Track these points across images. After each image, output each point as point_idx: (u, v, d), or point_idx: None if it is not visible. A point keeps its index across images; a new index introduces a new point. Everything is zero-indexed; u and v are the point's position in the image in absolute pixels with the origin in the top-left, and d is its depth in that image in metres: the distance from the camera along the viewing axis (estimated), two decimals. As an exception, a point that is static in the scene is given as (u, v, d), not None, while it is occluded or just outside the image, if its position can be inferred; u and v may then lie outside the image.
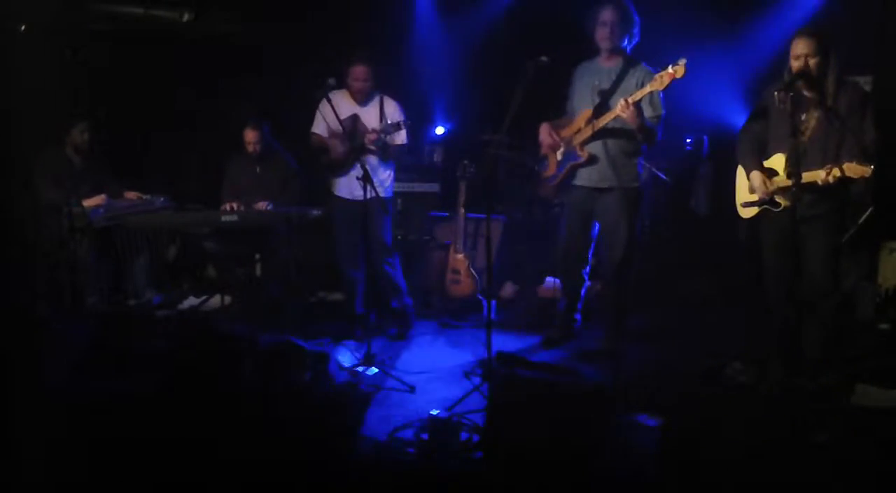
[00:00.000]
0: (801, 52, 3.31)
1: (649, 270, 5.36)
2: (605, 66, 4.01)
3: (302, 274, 4.85)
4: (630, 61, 3.95)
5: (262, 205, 4.79)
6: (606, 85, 3.96)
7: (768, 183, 3.43)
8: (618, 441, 2.81)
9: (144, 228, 4.65)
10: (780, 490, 2.61)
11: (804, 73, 3.30)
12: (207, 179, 5.54)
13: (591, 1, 3.98)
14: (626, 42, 3.95)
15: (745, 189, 3.57)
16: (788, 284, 3.47)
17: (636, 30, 3.95)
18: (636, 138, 3.94)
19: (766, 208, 3.48)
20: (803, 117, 3.35)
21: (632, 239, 4.07)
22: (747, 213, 3.60)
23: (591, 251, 4.29)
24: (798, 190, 3.15)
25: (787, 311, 3.50)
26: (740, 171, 3.62)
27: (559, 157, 4.16)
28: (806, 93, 3.35)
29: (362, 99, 4.37)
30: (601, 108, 3.94)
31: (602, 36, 3.92)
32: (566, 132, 4.13)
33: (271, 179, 5.00)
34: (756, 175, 3.47)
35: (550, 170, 4.23)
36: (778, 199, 3.42)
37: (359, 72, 4.29)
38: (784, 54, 3.41)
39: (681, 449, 2.78)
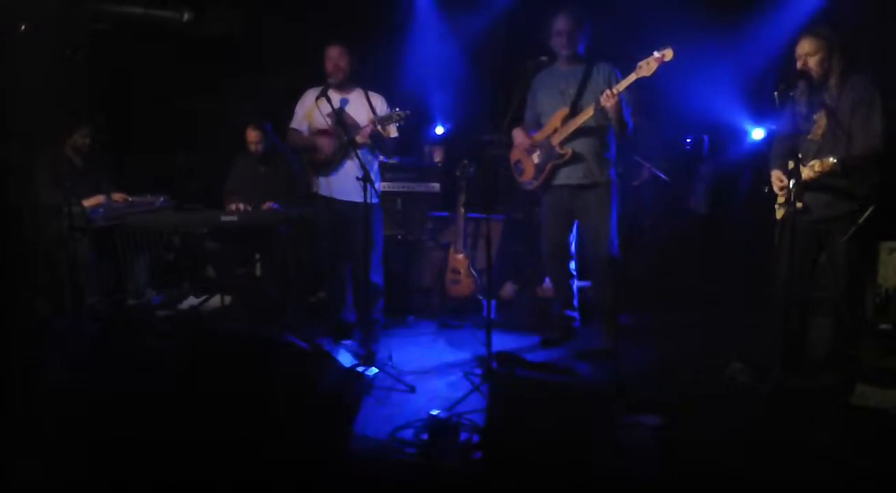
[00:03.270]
0: (801, 52, 3.33)
1: (649, 270, 5.36)
2: (566, 69, 4.10)
3: (302, 274, 4.85)
4: (590, 61, 4.04)
5: (268, 205, 4.78)
6: (574, 86, 4.03)
7: (780, 183, 3.49)
8: (618, 441, 2.81)
9: (144, 229, 4.66)
10: (780, 490, 2.61)
11: (804, 73, 3.31)
12: (207, 178, 5.55)
13: (546, 10, 4.06)
14: (580, 45, 4.05)
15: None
16: (802, 284, 3.50)
17: (589, 32, 4.06)
18: (608, 133, 4.04)
19: (787, 208, 3.49)
20: (815, 117, 3.37)
21: (615, 233, 4.10)
22: (779, 213, 3.62)
23: (573, 248, 4.31)
24: (798, 189, 3.15)
25: (795, 310, 3.52)
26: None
27: (536, 159, 4.17)
28: (814, 92, 3.36)
29: (342, 83, 4.21)
30: (576, 106, 4.01)
31: (560, 44, 4.05)
32: (540, 135, 4.16)
33: (275, 179, 4.99)
34: (774, 175, 3.52)
35: (527, 174, 4.24)
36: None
37: (331, 52, 4.20)
38: (785, 54, 3.42)
39: (681, 449, 2.78)
